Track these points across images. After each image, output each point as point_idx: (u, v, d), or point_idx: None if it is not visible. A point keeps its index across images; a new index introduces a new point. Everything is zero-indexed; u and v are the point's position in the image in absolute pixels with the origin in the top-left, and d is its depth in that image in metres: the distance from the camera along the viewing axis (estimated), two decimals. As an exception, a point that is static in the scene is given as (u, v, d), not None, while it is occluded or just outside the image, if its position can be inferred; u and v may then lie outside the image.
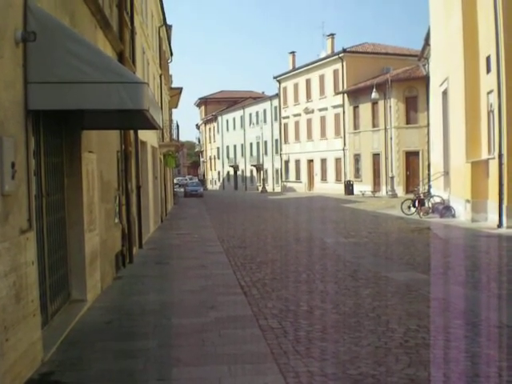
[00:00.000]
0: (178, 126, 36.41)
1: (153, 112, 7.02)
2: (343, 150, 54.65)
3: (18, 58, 5.83)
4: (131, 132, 14.79)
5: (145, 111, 6.54)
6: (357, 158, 52.72)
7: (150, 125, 8.92)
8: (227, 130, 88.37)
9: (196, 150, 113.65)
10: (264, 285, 10.79)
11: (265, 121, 73.60)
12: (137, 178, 16.24)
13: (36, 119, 6.89)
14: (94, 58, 6.27)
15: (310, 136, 62.06)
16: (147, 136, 20.03)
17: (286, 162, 68.48)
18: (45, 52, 6.06)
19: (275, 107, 71.10)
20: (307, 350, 6.61)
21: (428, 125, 39.40)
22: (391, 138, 45.99)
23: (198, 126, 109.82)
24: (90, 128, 9.38)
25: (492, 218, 19.77)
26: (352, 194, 49.29)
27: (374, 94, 44.15)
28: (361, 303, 9.03)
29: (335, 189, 53.97)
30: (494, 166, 19.57)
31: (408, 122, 45.74)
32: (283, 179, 69.60)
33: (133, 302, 9.66)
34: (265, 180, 71.43)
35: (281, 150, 69.67)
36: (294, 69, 66.05)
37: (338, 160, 56.18)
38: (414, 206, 26.66)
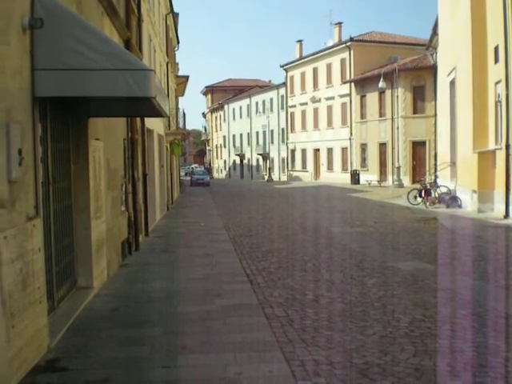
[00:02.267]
0: (184, 114, 36.37)
1: (160, 99, 7.01)
2: (350, 139, 54.51)
3: (25, 44, 5.82)
4: (138, 120, 14.78)
5: (152, 99, 6.54)
6: (363, 148, 52.59)
7: (156, 112, 8.92)
8: (233, 118, 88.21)
9: (202, 138, 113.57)
10: (269, 273, 10.81)
11: (271, 109, 73.41)
12: (143, 165, 16.24)
13: (43, 106, 6.88)
14: (101, 45, 6.25)
15: (316, 125, 61.90)
16: (154, 124, 20.02)
17: (293, 151, 68.37)
18: (52, 39, 6.04)
19: (282, 96, 70.91)
20: (313, 339, 6.62)
21: (435, 115, 39.32)
22: (398, 128, 45.81)
23: (204, 115, 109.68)
24: (97, 115, 9.37)
25: (498, 208, 19.73)
26: (358, 183, 49.24)
27: (381, 83, 43.92)
28: (366, 292, 9.03)
29: (341, 178, 53.91)
30: (501, 157, 19.51)
31: (415, 111, 45.55)
32: (289, 168, 69.52)
33: (139, 289, 9.68)
34: (271, 169, 71.34)
35: (287, 138, 69.53)
36: (301, 57, 65.74)
37: (344, 149, 56.05)
38: (420, 196, 26.61)
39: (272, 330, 6.98)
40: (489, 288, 9.32)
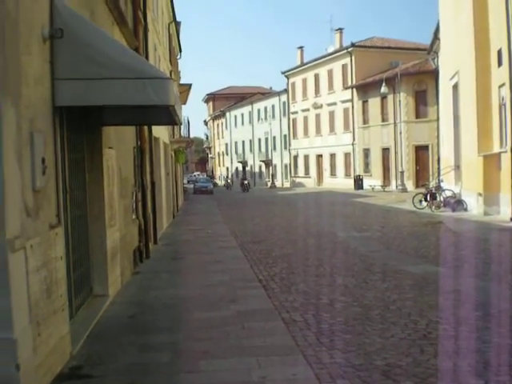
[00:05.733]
0: (188, 122, 36.46)
1: (177, 107, 7.08)
2: (352, 144, 54.65)
3: (45, 54, 5.89)
4: (146, 128, 14.85)
5: (170, 107, 6.61)
6: (366, 153, 52.72)
7: (169, 120, 8.99)
8: (235, 125, 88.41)
9: (204, 146, 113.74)
10: (282, 279, 10.86)
11: (273, 116, 73.59)
12: (151, 174, 16.30)
13: (59, 115, 6.94)
14: (118, 54, 6.33)
15: (318, 131, 62.07)
16: (160, 132, 20.11)
17: (295, 157, 68.53)
18: (71, 49, 6.10)
19: (284, 102, 71.11)
20: (332, 342, 6.66)
21: (438, 119, 39.45)
22: (401, 133, 45.90)
23: (205, 122, 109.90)
24: (110, 124, 9.44)
25: (504, 211, 19.74)
26: (362, 188, 49.29)
27: (383, 89, 44.08)
28: (380, 296, 9.07)
29: (345, 184, 53.99)
30: (506, 159, 19.53)
31: (417, 116, 45.72)
32: (292, 174, 69.66)
33: (153, 296, 9.73)
34: (274, 175, 71.37)
35: (289, 145, 69.71)
36: (303, 64, 66.07)
37: (347, 155, 56.20)
38: (425, 199, 26.62)
39: (291, 334, 7.02)
40: (501, 290, 9.32)
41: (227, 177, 78.67)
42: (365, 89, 51.74)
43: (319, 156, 62.45)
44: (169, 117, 8.06)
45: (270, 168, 74.07)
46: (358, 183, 50.33)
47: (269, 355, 6.24)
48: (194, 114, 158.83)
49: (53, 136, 6.07)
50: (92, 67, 6.11)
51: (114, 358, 6.40)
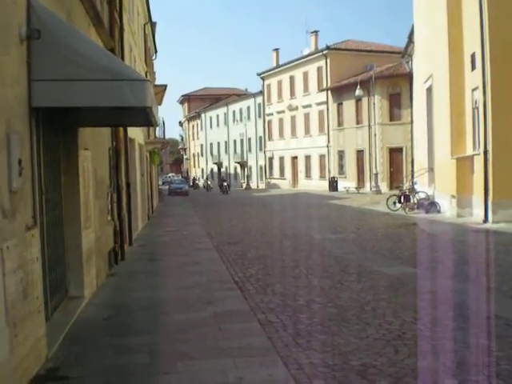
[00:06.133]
0: (164, 123, 36.34)
1: (154, 109, 7.08)
2: (327, 146, 54.89)
3: (22, 55, 5.86)
4: (121, 129, 14.79)
5: (148, 108, 6.61)
6: (341, 155, 52.98)
7: (143, 121, 9.01)
8: (211, 127, 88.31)
9: (179, 147, 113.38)
10: (258, 280, 10.90)
11: (248, 118, 73.59)
12: (126, 175, 16.22)
13: (36, 116, 6.90)
14: (96, 55, 6.33)
15: (293, 133, 62.27)
16: (135, 133, 20.04)
17: (270, 159, 68.64)
18: (48, 49, 6.07)
19: (259, 104, 71.20)
20: (308, 343, 6.71)
21: (411, 121, 39.78)
22: (375, 135, 46.21)
23: (181, 124, 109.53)
24: (86, 125, 9.41)
25: (477, 213, 19.99)
26: (336, 190, 49.52)
27: (358, 91, 44.34)
28: (355, 297, 9.15)
29: (319, 185, 54.19)
30: (479, 162, 19.79)
31: (392, 118, 46.05)
32: (267, 176, 69.76)
33: (129, 298, 9.71)
34: (249, 177, 71.42)
35: (265, 146, 69.83)
36: (278, 66, 66.23)
37: (322, 157, 56.43)
38: (399, 201, 26.83)
39: (267, 335, 7.06)
40: (474, 290, 9.46)
41: (207, 178, 78.66)
42: (340, 91, 52.02)
43: (294, 158, 62.65)
44: (145, 118, 8.05)
45: (246, 169, 74.13)
46: (333, 185, 50.57)
47: (245, 356, 6.27)
48: (169, 115, 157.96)
49: (29, 137, 6.04)
50: (69, 68, 6.09)
51: (91, 360, 6.38)
